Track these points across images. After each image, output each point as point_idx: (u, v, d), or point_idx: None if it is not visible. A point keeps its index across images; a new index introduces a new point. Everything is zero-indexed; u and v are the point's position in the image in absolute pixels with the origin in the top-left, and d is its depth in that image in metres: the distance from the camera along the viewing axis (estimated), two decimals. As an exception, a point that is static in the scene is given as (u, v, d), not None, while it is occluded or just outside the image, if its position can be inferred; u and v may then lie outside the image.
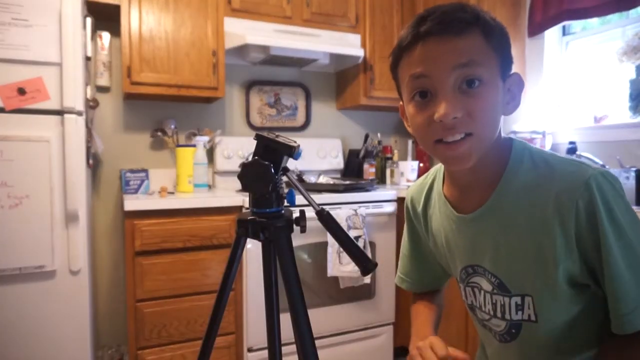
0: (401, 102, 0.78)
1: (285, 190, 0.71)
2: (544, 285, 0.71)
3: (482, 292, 0.80)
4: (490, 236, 0.75)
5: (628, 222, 0.65)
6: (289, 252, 0.69)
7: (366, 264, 0.64)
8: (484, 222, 0.76)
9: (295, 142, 0.69)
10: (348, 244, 0.65)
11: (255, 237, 0.69)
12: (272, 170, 0.65)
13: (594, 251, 0.67)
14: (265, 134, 0.68)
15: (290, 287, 0.68)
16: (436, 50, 0.67)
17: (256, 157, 0.66)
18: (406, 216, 0.98)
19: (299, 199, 0.74)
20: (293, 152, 0.67)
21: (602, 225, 0.64)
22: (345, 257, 2.13)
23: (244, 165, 0.66)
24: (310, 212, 0.70)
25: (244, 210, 2.02)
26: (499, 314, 0.78)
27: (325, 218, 0.66)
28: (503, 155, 0.74)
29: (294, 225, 0.71)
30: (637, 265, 0.65)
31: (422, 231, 0.95)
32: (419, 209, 0.92)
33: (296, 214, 0.72)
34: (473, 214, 0.77)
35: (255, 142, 0.68)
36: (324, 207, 0.68)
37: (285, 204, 0.72)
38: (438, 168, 0.89)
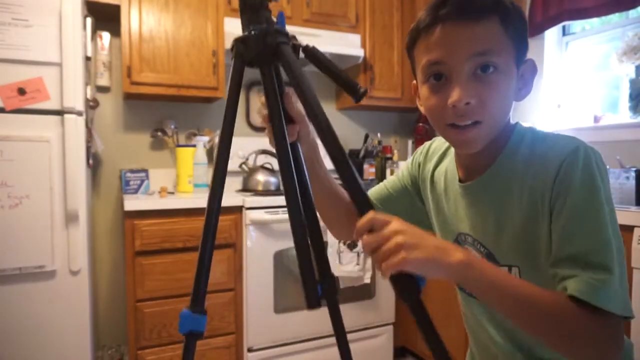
0: (414, 81, 0.79)
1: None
2: (529, 256, 0.72)
3: None
4: (481, 208, 0.77)
5: (601, 198, 0.64)
6: (296, 62, 0.68)
7: (357, 90, 0.64)
8: (477, 194, 0.77)
9: None
10: (337, 73, 0.65)
11: (256, 48, 0.69)
12: None
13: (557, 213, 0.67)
14: None
15: (304, 94, 0.66)
16: (453, 36, 0.67)
17: None
18: (412, 162, 0.97)
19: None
20: None
21: (572, 187, 0.65)
22: (345, 257, 2.13)
23: None
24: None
25: (243, 205, 2.02)
26: None
27: (311, 52, 0.66)
28: (506, 137, 0.76)
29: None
30: (588, 241, 0.63)
31: (416, 182, 0.95)
32: (432, 162, 0.92)
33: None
34: (467, 184, 0.79)
35: None
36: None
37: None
38: None
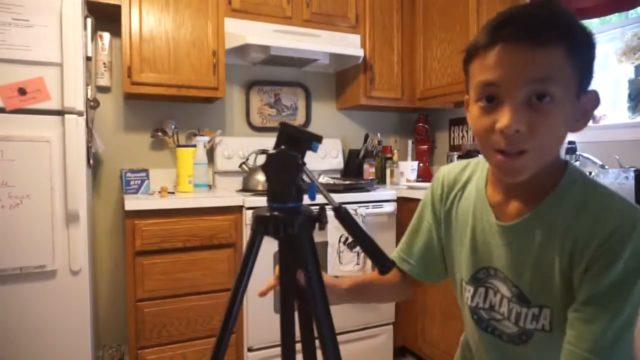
0: (467, 96, 0.76)
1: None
2: (566, 301, 0.70)
3: (500, 294, 0.80)
4: (522, 247, 0.75)
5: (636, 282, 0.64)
6: (312, 251, 0.65)
7: (385, 264, 0.62)
8: (520, 233, 0.74)
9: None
10: (366, 243, 0.62)
11: (275, 235, 0.65)
12: (300, 161, 0.61)
13: (589, 274, 0.66)
14: (288, 123, 0.65)
15: (312, 289, 0.64)
16: (512, 58, 0.64)
17: (282, 147, 0.62)
18: (431, 196, 0.93)
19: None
20: (318, 142, 0.63)
21: (618, 259, 0.63)
22: (345, 257, 2.14)
23: (269, 155, 0.62)
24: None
25: (244, 209, 2.02)
26: (512, 320, 0.78)
27: (344, 215, 0.63)
28: (556, 173, 0.72)
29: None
30: (605, 317, 0.64)
31: (439, 216, 0.91)
32: (452, 193, 0.89)
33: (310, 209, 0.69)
34: (511, 223, 0.75)
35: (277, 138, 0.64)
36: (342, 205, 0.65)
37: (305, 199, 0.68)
38: (481, 164, 0.86)
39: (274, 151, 0.62)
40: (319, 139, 0.63)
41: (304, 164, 0.63)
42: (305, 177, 0.66)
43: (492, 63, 0.65)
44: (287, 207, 0.64)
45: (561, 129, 0.67)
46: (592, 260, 0.66)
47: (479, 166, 0.86)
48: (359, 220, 2.15)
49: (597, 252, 0.65)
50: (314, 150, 0.64)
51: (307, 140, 0.63)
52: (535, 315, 0.74)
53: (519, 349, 0.78)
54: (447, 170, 0.93)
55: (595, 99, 0.69)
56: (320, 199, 0.67)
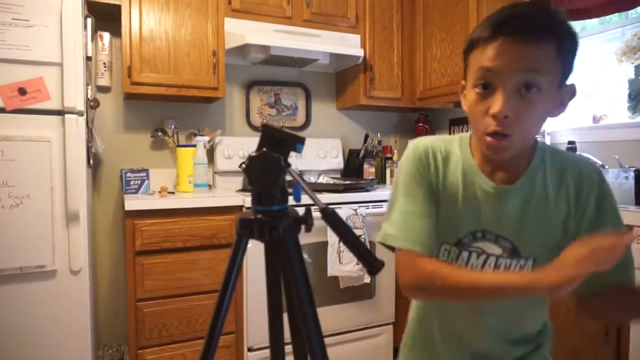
0: (463, 82, 0.85)
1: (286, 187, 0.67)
2: (550, 250, 0.81)
3: (484, 255, 0.87)
4: (519, 206, 0.84)
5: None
6: (298, 254, 0.65)
7: (374, 264, 0.61)
8: (518, 194, 0.84)
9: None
10: (355, 244, 0.61)
11: (260, 238, 0.64)
12: (283, 163, 0.61)
13: (590, 209, 0.83)
14: (271, 124, 0.64)
15: (299, 292, 0.63)
16: (511, 51, 0.73)
17: (264, 149, 0.62)
18: (419, 168, 0.89)
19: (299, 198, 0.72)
20: (302, 143, 0.63)
21: (606, 198, 0.84)
22: (345, 256, 2.14)
23: (251, 158, 0.61)
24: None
25: (244, 210, 2.02)
26: None
27: (330, 217, 0.62)
28: (531, 146, 0.86)
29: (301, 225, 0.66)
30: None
31: (434, 184, 0.89)
32: (438, 161, 0.89)
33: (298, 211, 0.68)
34: (510, 186, 0.85)
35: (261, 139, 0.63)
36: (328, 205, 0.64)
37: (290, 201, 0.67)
38: (455, 140, 0.92)
39: (255, 153, 0.61)
40: (302, 140, 0.63)
41: (289, 165, 0.63)
42: (292, 179, 0.65)
43: (493, 54, 0.75)
44: (271, 210, 0.63)
45: (542, 116, 0.79)
46: (587, 203, 0.83)
47: (454, 141, 0.92)
48: (359, 220, 2.15)
49: (591, 197, 0.83)
50: (299, 151, 0.63)
51: (291, 142, 0.62)
52: (522, 266, 0.86)
53: (493, 306, 0.88)
54: (425, 141, 0.91)
55: (572, 92, 0.81)
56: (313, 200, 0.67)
